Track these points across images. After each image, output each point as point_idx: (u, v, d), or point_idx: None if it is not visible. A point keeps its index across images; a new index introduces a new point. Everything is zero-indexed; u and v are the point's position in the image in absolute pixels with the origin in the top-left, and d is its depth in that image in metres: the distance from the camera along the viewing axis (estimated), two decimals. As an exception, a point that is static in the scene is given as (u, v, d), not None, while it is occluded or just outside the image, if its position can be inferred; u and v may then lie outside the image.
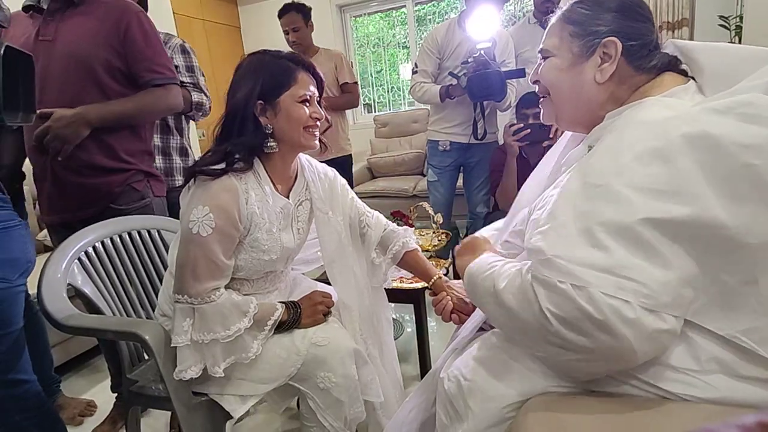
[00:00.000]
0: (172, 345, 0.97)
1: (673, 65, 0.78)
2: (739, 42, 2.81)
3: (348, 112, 4.71)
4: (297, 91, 1.02)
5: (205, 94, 1.96)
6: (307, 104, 1.03)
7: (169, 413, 1.58)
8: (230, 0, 4.74)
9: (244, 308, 0.99)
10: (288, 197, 1.12)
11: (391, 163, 3.87)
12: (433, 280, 1.19)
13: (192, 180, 1.00)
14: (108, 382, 1.69)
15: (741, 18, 2.90)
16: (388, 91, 4.86)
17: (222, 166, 0.98)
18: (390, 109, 4.81)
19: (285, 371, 1.02)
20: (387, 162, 3.88)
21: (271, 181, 1.07)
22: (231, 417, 1.01)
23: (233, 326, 0.96)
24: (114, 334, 1.06)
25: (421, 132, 4.03)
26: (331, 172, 1.24)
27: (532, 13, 2.47)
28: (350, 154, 2.71)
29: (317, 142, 1.08)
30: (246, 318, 0.98)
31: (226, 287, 1.02)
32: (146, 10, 1.83)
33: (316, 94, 1.07)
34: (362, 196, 3.67)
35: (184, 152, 2.00)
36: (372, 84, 4.85)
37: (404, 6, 4.45)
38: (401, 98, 4.83)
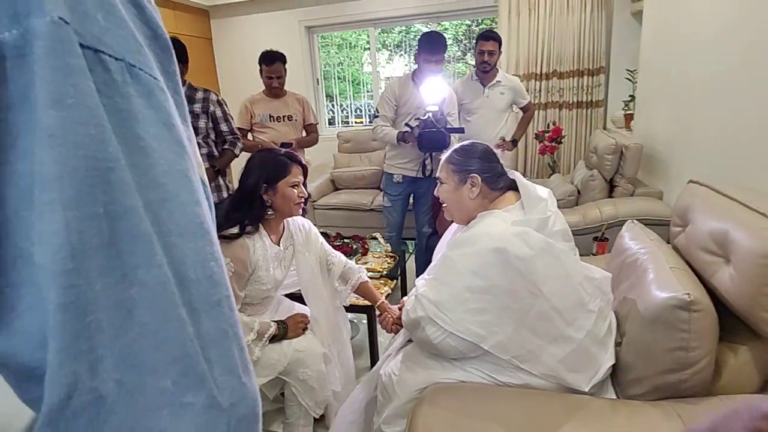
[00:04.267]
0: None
1: (513, 186, 1.34)
2: (634, 91, 3.45)
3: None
4: (290, 179, 1.49)
5: (237, 136, 2.64)
6: (296, 187, 1.51)
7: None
8: (203, 14, 5.02)
9: (250, 326, 1.46)
10: (279, 244, 1.59)
11: (352, 177, 4.33)
12: (378, 303, 1.71)
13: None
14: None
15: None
16: (347, 83, 5.35)
17: (237, 230, 1.44)
18: (352, 101, 5.35)
19: (276, 368, 1.51)
20: (348, 176, 4.34)
21: (269, 235, 1.54)
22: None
23: (244, 339, 1.43)
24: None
25: (379, 150, 4.50)
26: (307, 224, 1.72)
27: (474, 72, 3.00)
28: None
29: (301, 211, 1.55)
30: (252, 333, 1.46)
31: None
32: (187, 62, 2.36)
33: (302, 179, 1.54)
34: (325, 207, 4.16)
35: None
36: (334, 77, 5.28)
37: (367, 30, 4.90)
38: (362, 91, 5.33)
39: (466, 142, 1.44)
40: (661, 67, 2.84)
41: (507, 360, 1.20)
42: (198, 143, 2.38)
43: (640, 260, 1.32)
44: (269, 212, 1.50)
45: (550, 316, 1.15)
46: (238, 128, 3.00)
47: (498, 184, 1.35)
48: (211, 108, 2.49)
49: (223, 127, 2.56)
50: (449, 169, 1.38)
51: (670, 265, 1.20)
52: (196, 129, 2.42)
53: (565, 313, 1.16)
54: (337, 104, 5.41)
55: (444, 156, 1.41)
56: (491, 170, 1.35)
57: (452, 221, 1.50)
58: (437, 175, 1.43)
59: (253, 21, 5.00)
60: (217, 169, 2.59)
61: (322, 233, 2.72)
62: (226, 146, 2.62)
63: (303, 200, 1.54)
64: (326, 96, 5.33)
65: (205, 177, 0.39)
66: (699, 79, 2.23)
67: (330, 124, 5.44)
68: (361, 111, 5.45)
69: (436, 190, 1.44)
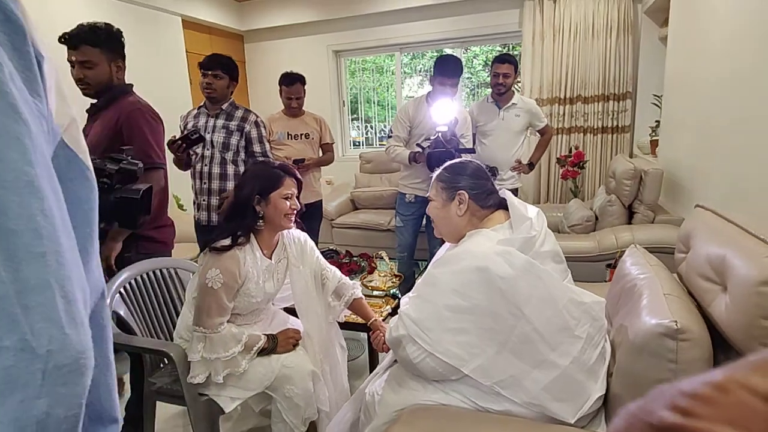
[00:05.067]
0: (188, 360, 1.44)
1: (503, 205, 1.31)
2: (660, 116, 3.35)
3: (338, 147, 5.25)
4: (283, 191, 1.51)
5: (269, 158, 2.53)
6: (288, 199, 1.52)
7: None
8: (238, 38, 5.25)
9: (238, 337, 1.47)
10: (271, 258, 1.60)
11: (371, 197, 4.36)
12: (370, 321, 1.68)
13: (207, 248, 1.48)
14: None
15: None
16: (374, 105, 5.43)
17: (228, 242, 1.46)
18: (376, 123, 5.46)
19: (263, 383, 1.50)
20: (368, 196, 4.37)
21: (260, 248, 1.56)
22: (223, 411, 1.49)
23: (231, 350, 1.44)
24: (149, 351, 1.53)
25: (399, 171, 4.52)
26: (303, 237, 1.72)
27: (490, 94, 3.00)
28: (321, 199, 3.23)
29: (292, 224, 1.56)
30: (239, 345, 1.46)
31: (227, 320, 1.50)
32: (236, 80, 2.46)
33: (295, 192, 1.56)
34: (344, 227, 4.18)
35: None
36: (361, 101, 5.36)
37: (393, 54, 5.00)
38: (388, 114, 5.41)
39: (457, 160, 1.42)
40: (684, 92, 2.75)
41: (488, 386, 1.15)
42: (224, 159, 2.42)
43: (638, 286, 1.25)
44: (260, 223, 1.52)
45: (533, 339, 1.10)
46: None
47: (487, 201, 1.32)
48: (247, 128, 2.46)
49: (256, 148, 2.49)
50: (438, 186, 1.36)
51: (665, 291, 1.13)
52: (227, 145, 2.43)
53: (548, 337, 1.10)
54: (362, 125, 5.49)
55: (434, 174, 1.40)
56: (480, 188, 1.33)
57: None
58: (428, 194, 1.41)
59: (284, 45, 5.19)
60: None
61: (332, 251, 2.74)
62: None
63: (295, 212, 1.55)
64: (354, 119, 5.42)
65: (89, 162, 0.40)
66: (722, 106, 2.15)
67: (355, 145, 5.51)
68: (384, 133, 5.51)
69: (427, 208, 1.42)
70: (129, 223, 1.11)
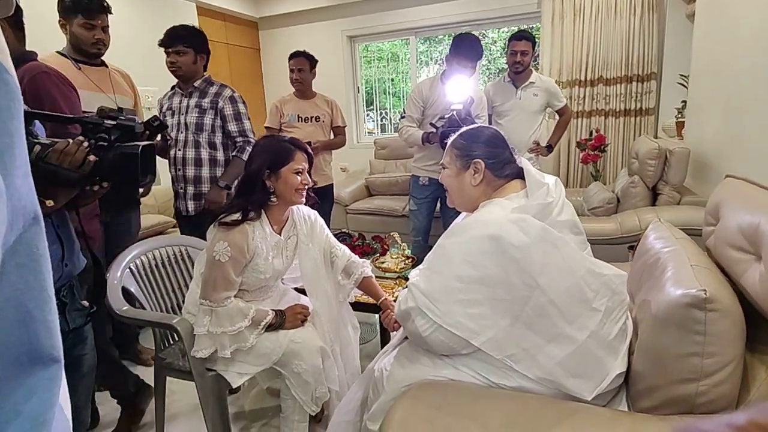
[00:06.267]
0: (194, 334, 1.43)
1: (520, 174, 1.24)
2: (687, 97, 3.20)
3: (353, 133, 5.20)
4: (293, 165, 1.47)
5: (249, 140, 2.29)
6: (299, 174, 1.48)
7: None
8: (252, 25, 5.23)
9: (245, 312, 1.44)
10: (281, 234, 1.57)
11: (386, 183, 4.30)
12: (380, 301, 1.64)
13: (216, 222, 1.45)
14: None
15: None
16: (389, 96, 5.36)
17: (239, 216, 1.43)
18: (391, 111, 5.36)
19: (270, 358, 1.47)
20: (383, 182, 4.32)
21: (270, 223, 1.52)
22: (231, 386, 1.47)
23: (237, 324, 1.41)
24: (156, 324, 1.52)
25: (415, 157, 4.45)
26: (313, 214, 1.69)
27: (507, 73, 2.91)
28: (332, 183, 3.16)
29: (303, 199, 1.53)
30: (246, 319, 1.43)
31: (234, 296, 1.47)
32: (205, 51, 2.22)
33: (306, 166, 1.52)
34: (359, 212, 4.14)
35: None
36: (377, 91, 5.29)
37: (408, 39, 4.91)
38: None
39: (473, 126, 1.36)
40: (712, 70, 2.62)
41: (500, 360, 1.09)
42: (198, 142, 2.21)
43: (662, 260, 1.18)
44: (272, 199, 1.48)
45: (548, 311, 1.05)
46: (268, 127, 3.04)
47: (503, 171, 1.26)
48: (221, 104, 2.22)
49: (231, 127, 2.24)
50: (453, 154, 1.30)
51: (692, 262, 1.06)
52: (200, 125, 2.22)
53: (565, 310, 1.04)
54: (377, 114, 5.42)
55: (449, 140, 1.34)
56: (496, 156, 1.26)
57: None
58: (442, 161, 1.35)
59: (299, 32, 5.15)
60: (226, 185, 2.23)
61: (345, 233, 2.70)
62: (234, 152, 2.28)
63: (306, 188, 1.51)
64: (370, 110, 5.34)
65: (9, 64, 0.35)
66: (752, 82, 2.03)
67: (370, 134, 5.45)
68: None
69: (440, 176, 1.37)
70: (130, 180, 1.08)
